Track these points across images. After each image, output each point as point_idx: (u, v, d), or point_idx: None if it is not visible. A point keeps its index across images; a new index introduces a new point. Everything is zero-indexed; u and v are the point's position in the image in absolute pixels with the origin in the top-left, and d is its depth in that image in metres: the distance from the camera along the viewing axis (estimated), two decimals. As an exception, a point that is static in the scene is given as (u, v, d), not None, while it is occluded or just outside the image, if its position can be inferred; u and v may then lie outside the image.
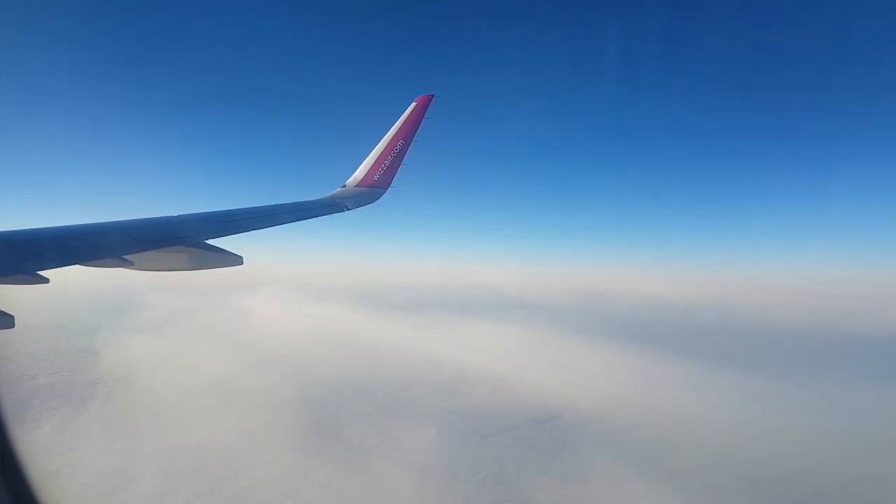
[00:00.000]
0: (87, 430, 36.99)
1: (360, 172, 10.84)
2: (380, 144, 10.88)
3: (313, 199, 9.78)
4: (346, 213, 9.50)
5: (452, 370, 54.60)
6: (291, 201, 9.09)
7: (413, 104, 10.91)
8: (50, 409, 38.84)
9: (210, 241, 6.23)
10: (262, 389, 47.01)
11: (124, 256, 5.26)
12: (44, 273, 5.28)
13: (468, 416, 43.12)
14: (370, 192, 10.53)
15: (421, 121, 10.86)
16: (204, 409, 42.43)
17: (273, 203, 8.52)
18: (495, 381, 50.91)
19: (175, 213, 6.88)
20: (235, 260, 6.40)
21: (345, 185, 10.77)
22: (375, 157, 10.82)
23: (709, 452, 36.30)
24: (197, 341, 63.12)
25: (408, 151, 10.87)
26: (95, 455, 33.84)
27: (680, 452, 36.32)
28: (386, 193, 10.69)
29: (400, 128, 10.79)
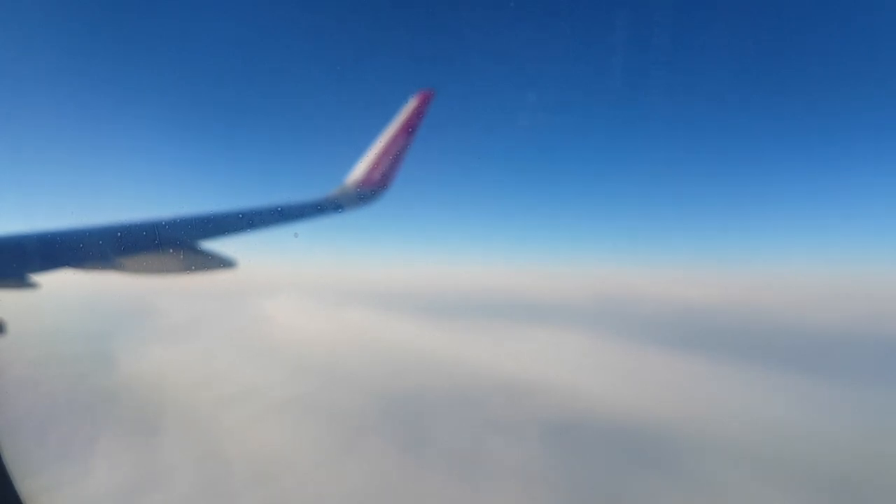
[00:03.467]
0: (109, 442, 35.62)
1: (358, 171, 10.53)
2: (379, 142, 10.54)
3: (311, 199, 9.56)
4: (347, 213, 9.32)
5: (503, 377, 52.98)
6: (288, 202, 8.89)
7: (413, 100, 10.60)
8: (61, 418, 37.60)
9: (205, 244, 6.06)
10: (307, 398, 44.96)
11: (114, 259, 5.11)
12: (33, 278, 5.08)
13: (535, 425, 41.30)
14: (370, 191, 10.32)
15: (422, 117, 10.56)
16: (245, 420, 40.77)
17: (269, 203, 8.31)
18: (551, 388, 49.18)
19: (167, 215, 6.71)
20: (228, 263, 6.24)
21: (343, 185, 10.55)
22: (375, 156, 10.51)
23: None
24: (219, 348, 61.08)
25: (409, 149, 10.61)
26: (110, 469, 32.65)
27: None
28: (387, 193, 10.50)
29: (400, 124, 10.49)
